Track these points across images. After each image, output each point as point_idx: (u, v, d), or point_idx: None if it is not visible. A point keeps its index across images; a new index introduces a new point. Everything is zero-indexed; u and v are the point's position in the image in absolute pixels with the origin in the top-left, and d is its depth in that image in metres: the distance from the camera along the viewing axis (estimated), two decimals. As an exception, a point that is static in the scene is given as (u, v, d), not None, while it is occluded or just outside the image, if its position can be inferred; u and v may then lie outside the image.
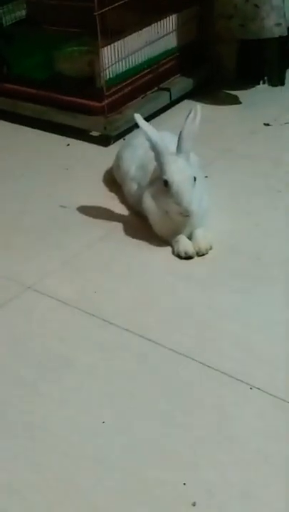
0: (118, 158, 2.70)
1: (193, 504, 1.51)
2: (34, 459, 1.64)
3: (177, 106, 3.31)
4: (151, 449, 1.64)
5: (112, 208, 2.58)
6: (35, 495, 1.55)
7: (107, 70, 3.02)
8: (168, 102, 3.29)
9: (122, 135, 3.05)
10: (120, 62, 3.08)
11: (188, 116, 2.26)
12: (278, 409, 1.71)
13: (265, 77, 3.52)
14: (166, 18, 3.29)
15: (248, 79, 3.51)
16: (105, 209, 2.57)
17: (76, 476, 1.58)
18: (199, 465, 1.59)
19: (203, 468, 1.58)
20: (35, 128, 3.24)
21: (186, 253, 2.28)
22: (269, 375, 1.80)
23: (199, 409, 1.73)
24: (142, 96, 3.23)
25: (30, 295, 2.17)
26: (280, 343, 1.91)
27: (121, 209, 2.58)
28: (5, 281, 2.23)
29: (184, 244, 2.29)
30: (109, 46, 2.99)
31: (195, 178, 2.26)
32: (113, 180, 2.73)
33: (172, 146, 2.29)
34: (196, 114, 2.26)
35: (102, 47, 2.95)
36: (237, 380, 1.79)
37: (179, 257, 2.29)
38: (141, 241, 2.38)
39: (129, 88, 3.16)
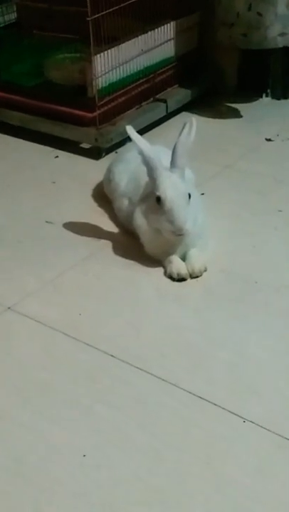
0: (109, 172, 2.72)
1: None
2: (11, 494, 1.62)
3: (174, 118, 3.34)
4: (134, 484, 1.63)
5: (100, 225, 2.59)
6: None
7: (100, 79, 3.04)
8: (164, 114, 3.32)
9: (114, 148, 3.07)
10: (114, 71, 3.11)
11: (182, 129, 2.28)
12: (273, 444, 1.70)
13: (268, 90, 3.56)
14: (164, 25, 3.32)
15: (250, 91, 3.55)
16: (94, 226, 2.59)
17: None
18: (185, 504, 1.58)
19: (191, 506, 1.57)
20: (22, 138, 3.26)
21: (178, 275, 2.28)
22: (263, 408, 1.80)
23: (187, 442, 1.72)
24: (136, 107, 3.26)
25: (10, 316, 2.17)
26: (275, 373, 1.92)
27: (110, 226, 2.59)
28: (-17, 300, 2.24)
29: (176, 265, 2.30)
30: (102, 53, 3.02)
31: (190, 195, 2.27)
32: (103, 196, 2.75)
33: (166, 160, 2.31)
34: (191, 127, 2.28)
35: (95, 54, 2.98)
36: (229, 412, 1.79)
37: (171, 278, 2.29)
38: (130, 261, 2.39)
39: (123, 98, 3.19)
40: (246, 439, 1.73)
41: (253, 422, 1.76)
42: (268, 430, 1.73)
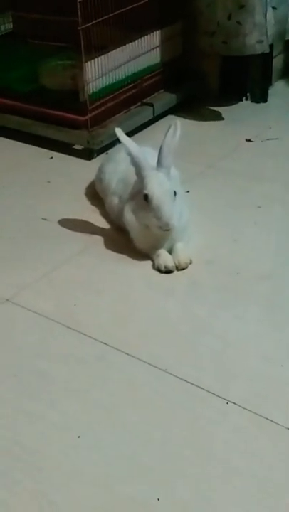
0: (100, 172, 2.70)
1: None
2: (9, 474, 1.62)
3: (160, 121, 3.32)
4: (125, 464, 1.62)
5: (93, 221, 2.58)
6: (10, 510, 1.54)
7: (91, 85, 3.02)
8: (151, 117, 3.31)
9: (104, 149, 3.05)
10: (104, 77, 3.09)
11: (168, 131, 2.27)
12: (254, 425, 1.70)
13: (248, 94, 3.56)
14: (150, 33, 3.30)
15: (231, 95, 3.54)
16: (86, 222, 2.57)
17: (50, 491, 1.57)
18: (173, 481, 1.58)
19: (177, 483, 1.57)
20: (18, 140, 3.24)
21: (166, 267, 2.28)
22: (245, 390, 1.80)
23: (175, 424, 1.72)
24: (125, 111, 3.24)
25: (9, 307, 2.16)
26: (257, 358, 1.91)
27: (102, 222, 2.58)
28: (-17, 293, 2.23)
29: (164, 258, 2.29)
30: (92, 61, 3.00)
31: (175, 193, 2.27)
32: (95, 194, 2.73)
33: (153, 160, 2.30)
34: (176, 129, 2.27)
35: (86, 61, 2.96)
36: (214, 394, 1.79)
37: (159, 271, 2.29)
38: (121, 255, 2.38)
39: (113, 103, 3.17)
40: (229, 419, 1.72)
41: (235, 404, 1.76)
42: (249, 411, 1.74)
